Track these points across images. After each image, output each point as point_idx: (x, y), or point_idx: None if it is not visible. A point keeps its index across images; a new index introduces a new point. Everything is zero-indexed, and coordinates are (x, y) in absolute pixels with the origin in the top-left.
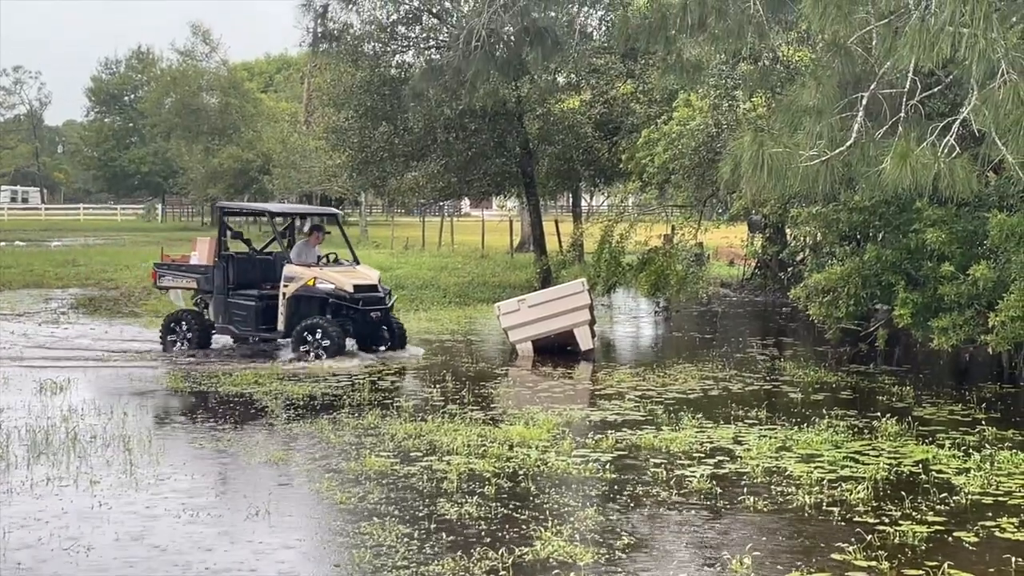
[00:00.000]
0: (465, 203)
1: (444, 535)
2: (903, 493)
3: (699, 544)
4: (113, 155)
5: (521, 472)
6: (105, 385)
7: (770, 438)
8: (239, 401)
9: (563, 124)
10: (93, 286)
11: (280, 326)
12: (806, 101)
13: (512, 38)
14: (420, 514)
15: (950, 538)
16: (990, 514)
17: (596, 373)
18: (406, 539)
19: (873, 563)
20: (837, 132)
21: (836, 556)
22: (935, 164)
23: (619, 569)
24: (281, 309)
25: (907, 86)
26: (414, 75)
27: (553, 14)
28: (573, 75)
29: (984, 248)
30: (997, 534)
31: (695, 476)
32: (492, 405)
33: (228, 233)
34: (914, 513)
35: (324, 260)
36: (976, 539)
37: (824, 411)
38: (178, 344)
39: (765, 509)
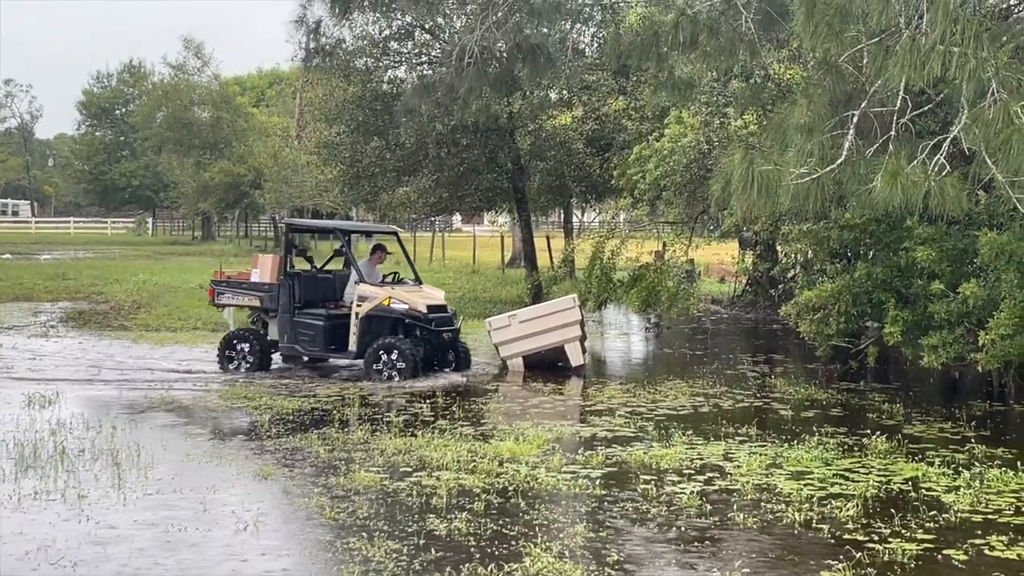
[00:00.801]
0: (456, 218)
1: (433, 551)
2: (893, 511)
3: (688, 561)
4: (104, 168)
5: (511, 488)
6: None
7: (760, 455)
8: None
9: (555, 140)
10: (83, 299)
11: (352, 346)
12: (797, 119)
13: (505, 54)
14: (409, 529)
15: (939, 556)
16: (980, 532)
17: (587, 389)
18: (395, 555)
19: None
20: (828, 150)
21: (825, 574)
22: (925, 182)
23: None
24: (353, 329)
25: (898, 104)
26: (406, 90)
27: (546, 31)
28: (565, 91)
29: (974, 266)
30: (987, 552)
31: (685, 493)
32: (482, 421)
33: (293, 251)
34: (904, 531)
35: (389, 279)
36: (965, 557)
37: (814, 428)
38: (239, 365)
39: (755, 526)
